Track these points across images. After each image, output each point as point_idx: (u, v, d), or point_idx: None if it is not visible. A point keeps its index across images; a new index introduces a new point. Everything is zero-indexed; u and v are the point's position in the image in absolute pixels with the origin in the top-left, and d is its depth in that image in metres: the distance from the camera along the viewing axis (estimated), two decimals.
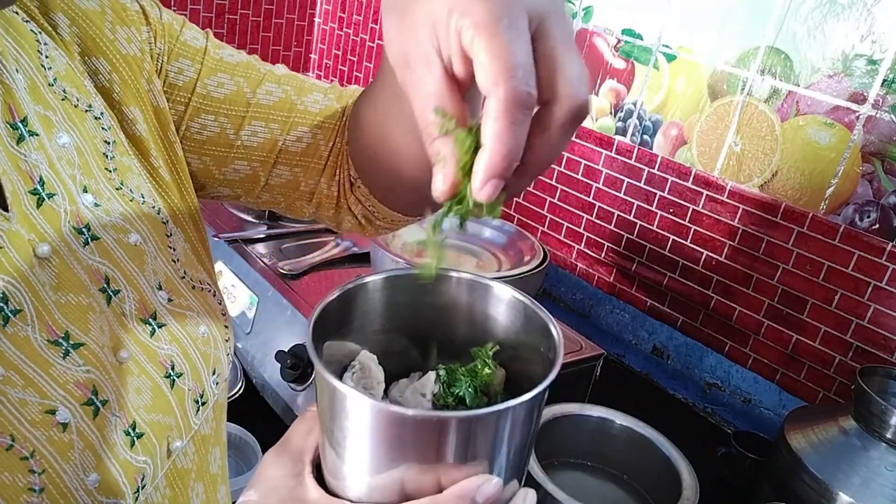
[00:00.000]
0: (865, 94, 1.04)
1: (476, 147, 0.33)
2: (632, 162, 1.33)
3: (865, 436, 0.90)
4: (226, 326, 0.58)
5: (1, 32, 0.45)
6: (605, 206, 1.39)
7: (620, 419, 0.98)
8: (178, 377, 0.51)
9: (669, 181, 1.28)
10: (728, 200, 1.21)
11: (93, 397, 0.43)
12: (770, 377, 1.20)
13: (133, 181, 0.52)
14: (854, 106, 1.05)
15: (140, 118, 0.53)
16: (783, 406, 1.18)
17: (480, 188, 0.33)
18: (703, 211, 1.24)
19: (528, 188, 1.40)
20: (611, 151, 1.36)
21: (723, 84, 1.19)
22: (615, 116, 1.35)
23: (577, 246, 1.45)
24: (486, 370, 0.41)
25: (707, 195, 1.23)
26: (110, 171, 0.50)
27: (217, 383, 0.55)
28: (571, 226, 1.45)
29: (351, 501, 0.38)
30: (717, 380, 1.26)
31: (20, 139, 0.44)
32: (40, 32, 0.48)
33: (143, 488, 0.46)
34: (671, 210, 1.29)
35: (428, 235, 0.38)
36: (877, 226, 1.05)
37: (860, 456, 0.89)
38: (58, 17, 0.49)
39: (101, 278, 0.47)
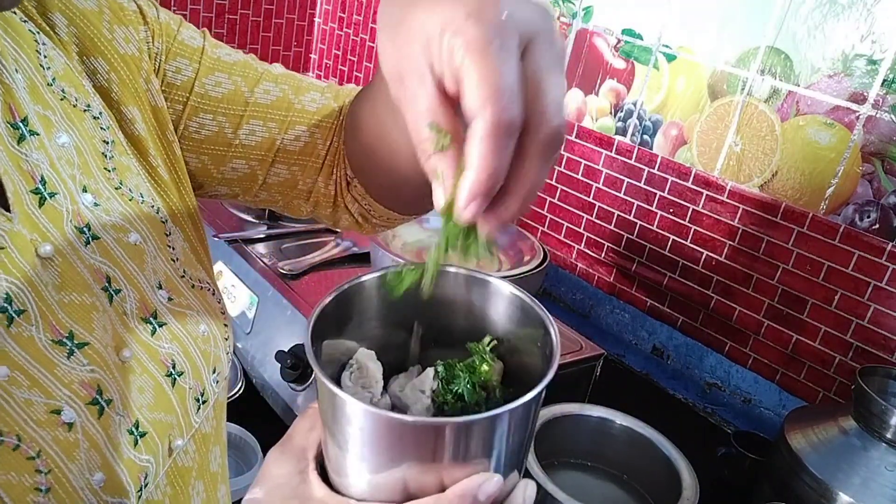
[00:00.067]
0: (865, 94, 1.03)
1: None
2: (632, 162, 1.33)
3: (865, 436, 0.90)
4: (225, 325, 0.58)
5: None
6: (605, 206, 1.39)
7: (620, 419, 0.98)
8: (179, 376, 0.51)
9: (669, 181, 1.28)
10: (728, 200, 1.21)
11: (97, 397, 0.44)
12: (770, 377, 1.20)
13: (132, 181, 0.52)
14: (854, 106, 1.05)
15: (138, 117, 0.53)
16: (783, 406, 1.18)
17: (464, 207, 0.33)
18: (703, 211, 1.24)
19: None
20: (611, 151, 1.36)
21: (723, 84, 1.19)
22: (615, 116, 1.35)
23: (577, 246, 1.45)
24: (485, 366, 0.41)
25: (707, 195, 1.23)
26: (109, 171, 0.50)
27: (217, 382, 0.56)
28: (571, 226, 1.45)
29: (354, 499, 0.38)
30: (717, 380, 1.26)
31: (21, 139, 0.44)
32: (38, 32, 0.48)
33: (145, 487, 0.46)
34: (671, 210, 1.29)
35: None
36: (877, 226, 1.05)
37: (860, 456, 0.89)
38: (55, 17, 0.49)
39: (102, 277, 0.47)
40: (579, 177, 1.42)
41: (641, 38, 1.29)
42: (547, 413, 0.96)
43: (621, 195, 1.36)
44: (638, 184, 1.33)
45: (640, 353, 1.36)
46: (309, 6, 1.99)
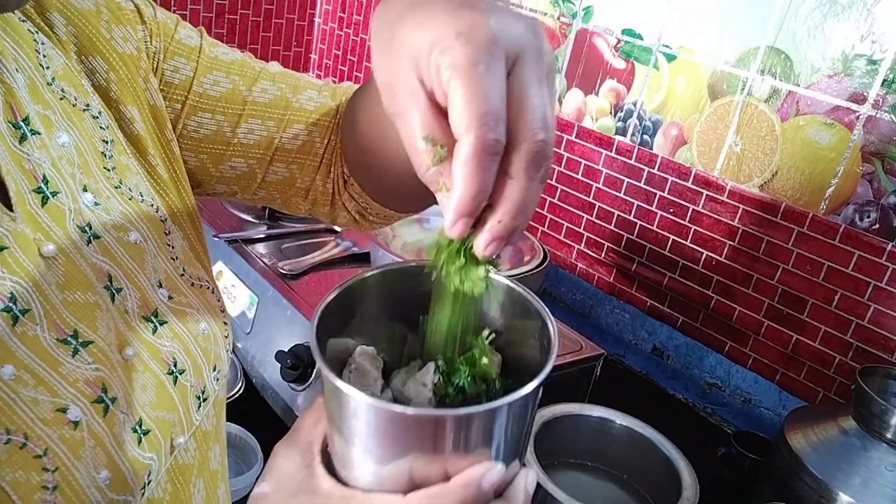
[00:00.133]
0: (865, 94, 1.04)
1: None
2: (632, 162, 1.33)
3: (865, 436, 0.90)
4: (224, 323, 0.58)
5: None
6: (605, 206, 1.39)
7: (620, 419, 0.98)
8: (180, 374, 0.51)
9: (669, 181, 1.28)
10: (728, 200, 1.21)
11: (102, 395, 0.44)
12: (770, 377, 1.20)
13: (131, 180, 0.52)
14: (854, 106, 1.05)
15: (137, 117, 0.53)
16: (783, 406, 1.18)
17: (451, 227, 0.35)
18: (703, 211, 1.24)
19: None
20: (611, 151, 1.36)
21: (723, 84, 1.19)
22: (615, 116, 1.35)
23: (577, 246, 1.45)
24: (484, 360, 0.42)
25: (707, 195, 1.23)
26: (109, 170, 0.50)
27: (217, 379, 0.56)
28: (571, 226, 1.45)
29: (361, 490, 0.39)
30: (717, 380, 1.26)
31: (23, 138, 0.44)
32: (37, 32, 0.48)
33: (148, 484, 0.46)
34: (671, 210, 1.29)
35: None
36: (877, 226, 1.05)
37: (860, 456, 0.89)
38: (54, 17, 0.49)
39: (104, 276, 0.47)
40: (579, 177, 1.42)
41: (641, 38, 1.29)
42: (547, 413, 0.96)
43: (621, 195, 1.36)
44: (638, 184, 1.33)
45: (640, 353, 1.36)
46: (309, 6, 1.99)
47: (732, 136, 1.19)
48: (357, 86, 0.62)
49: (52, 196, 0.45)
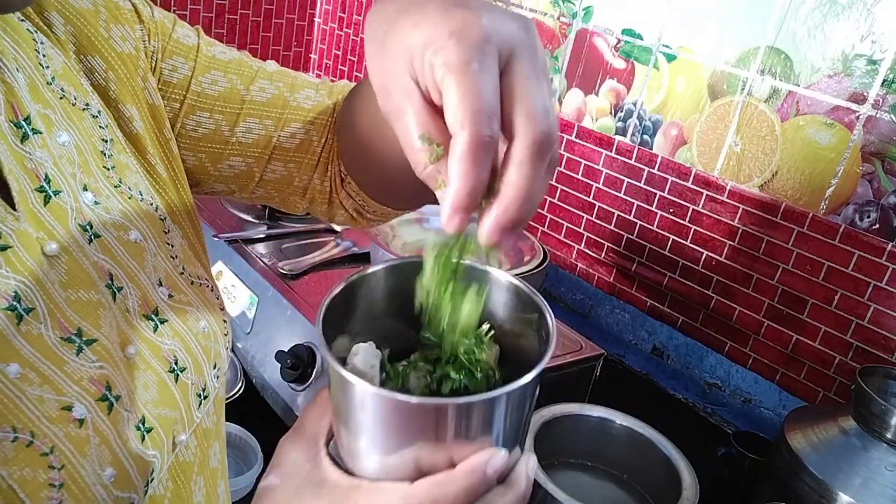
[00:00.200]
0: (865, 94, 1.04)
1: None
2: (632, 162, 1.33)
3: (865, 436, 0.90)
4: (224, 321, 0.59)
5: None
6: (605, 206, 1.39)
7: (620, 419, 0.98)
8: (181, 371, 0.51)
9: (669, 181, 1.28)
10: (728, 200, 1.21)
11: (107, 393, 0.44)
12: (770, 377, 1.20)
13: (131, 179, 0.52)
14: (854, 106, 1.05)
15: (136, 116, 0.53)
16: (783, 406, 1.18)
17: (448, 222, 0.35)
18: (703, 211, 1.24)
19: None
20: (611, 151, 1.37)
21: (723, 84, 1.19)
22: (615, 116, 1.35)
23: (577, 246, 1.45)
24: (483, 353, 0.43)
25: (707, 195, 1.23)
26: (108, 170, 0.50)
27: (217, 377, 0.56)
28: (571, 226, 1.45)
29: (368, 479, 0.40)
30: (717, 380, 1.26)
31: (24, 137, 0.44)
32: (36, 31, 0.48)
33: (151, 482, 0.47)
34: (671, 210, 1.29)
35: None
36: (877, 226, 1.05)
37: (860, 456, 0.89)
38: (52, 16, 0.49)
39: (105, 275, 0.47)
40: (579, 177, 1.42)
41: (641, 38, 1.29)
42: (547, 413, 0.96)
43: (621, 195, 1.36)
44: (638, 184, 1.33)
45: (640, 353, 1.36)
46: (309, 6, 1.99)
47: (732, 136, 1.19)
48: (353, 84, 0.63)
49: (55, 195, 0.45)
